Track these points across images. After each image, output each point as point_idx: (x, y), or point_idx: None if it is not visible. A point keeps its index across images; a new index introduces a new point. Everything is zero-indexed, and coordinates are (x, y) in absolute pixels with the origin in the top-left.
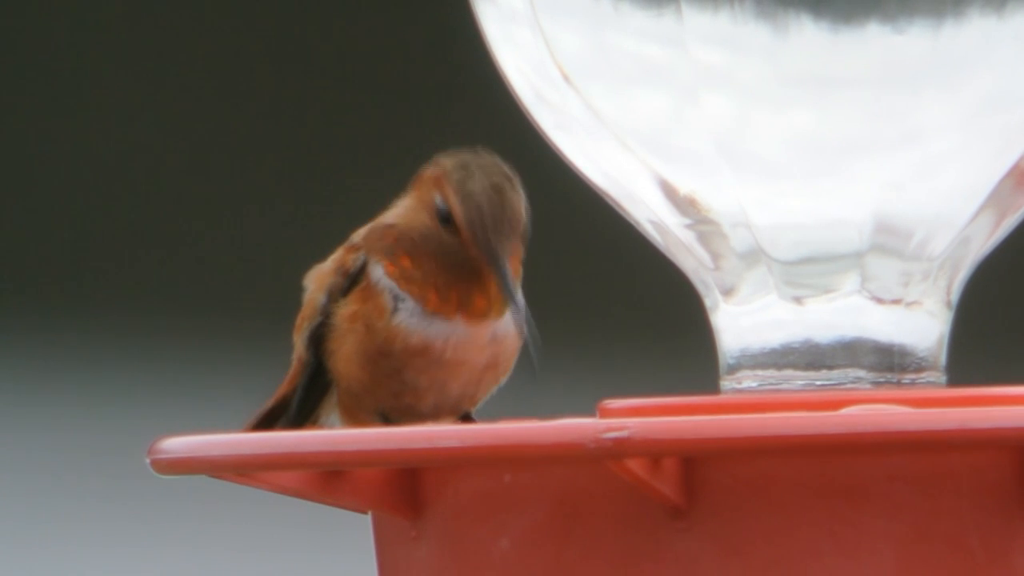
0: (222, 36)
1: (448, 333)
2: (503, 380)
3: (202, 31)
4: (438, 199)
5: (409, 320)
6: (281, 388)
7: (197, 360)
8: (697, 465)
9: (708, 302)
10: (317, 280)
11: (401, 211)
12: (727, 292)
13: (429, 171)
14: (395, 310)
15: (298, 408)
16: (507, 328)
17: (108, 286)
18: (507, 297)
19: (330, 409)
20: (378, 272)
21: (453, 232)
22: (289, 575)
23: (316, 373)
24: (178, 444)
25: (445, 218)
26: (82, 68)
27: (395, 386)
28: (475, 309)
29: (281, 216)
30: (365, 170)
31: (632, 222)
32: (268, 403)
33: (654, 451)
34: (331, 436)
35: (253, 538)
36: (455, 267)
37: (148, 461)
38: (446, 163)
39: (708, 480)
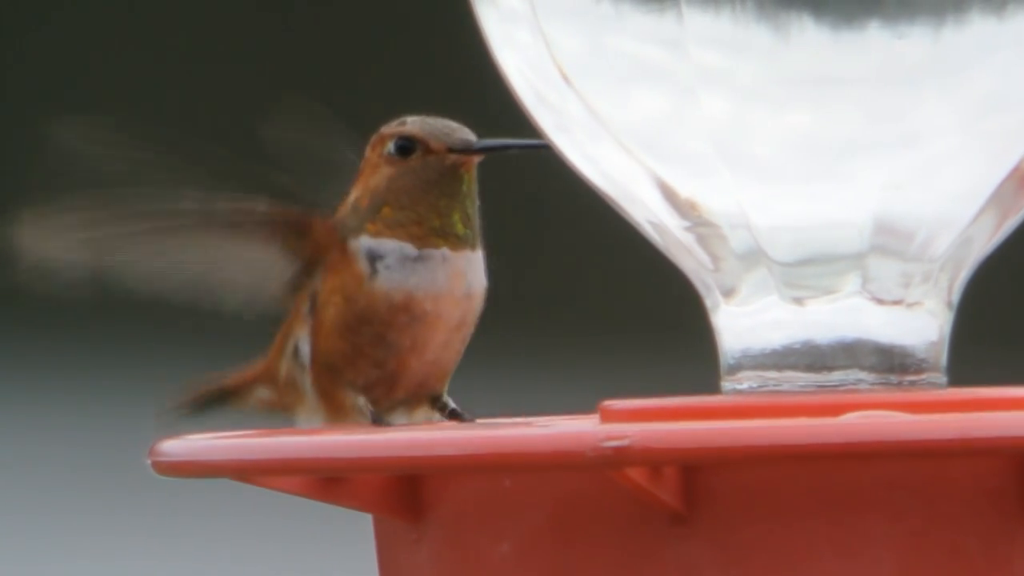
0: (222, 36)
1: (430, 279)
2: (462, 351)
3: (201, 31)
4: (389, 145)
5: (389, 278)
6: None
7: (195, 356)
8: (697, 472)
9: (708, 303)
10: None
11: (358, 190)
12: (727, 293)
13: (368, 149)
14: (373, 272)
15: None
16: (478, 284)
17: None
18: (514, 145)
19: (308, 410)
20: (358, 242)
21: (420, 154)
22: (291, 574)
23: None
24: (179, 447)
25: (404, 147)
26: (82, 68)
27: (380, 353)
28: (456, 235)
29: None
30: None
31: (632, 223)
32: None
33: (654, 460)
34: (332, 442)
35: (254, 536)
36: (429, 194)
37: (149, 463)
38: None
39: (709, 487)
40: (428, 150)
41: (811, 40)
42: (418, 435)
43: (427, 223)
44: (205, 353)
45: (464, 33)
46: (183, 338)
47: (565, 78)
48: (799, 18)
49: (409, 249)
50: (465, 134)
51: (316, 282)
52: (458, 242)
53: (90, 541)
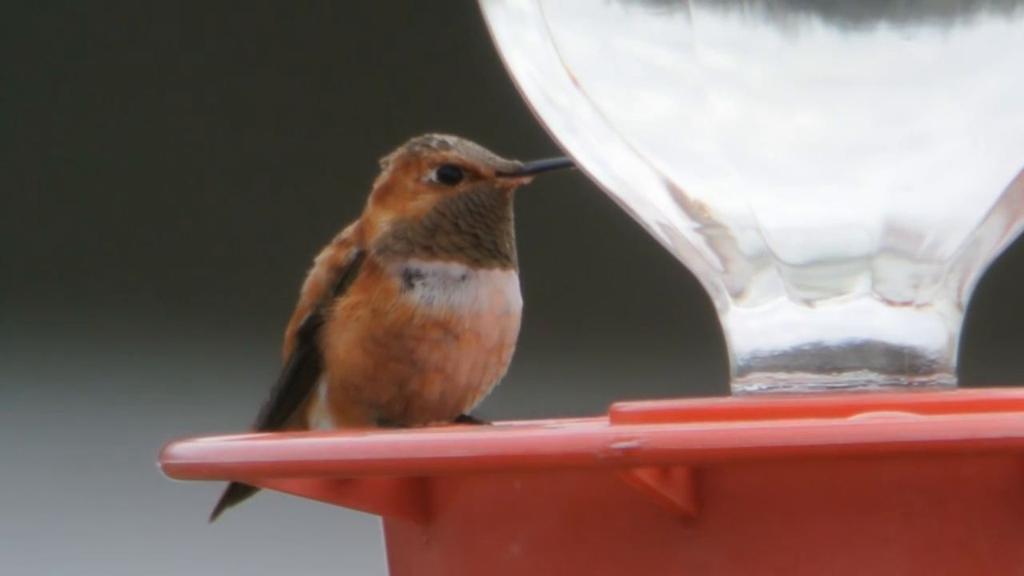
0: (222, 37)
1: (473, 297)
2: (502, 373)
3: (202, 32)
4: (430, 173)
5: (428, 295)
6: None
7: (200, 360)
8: (707, 473)
9: (718, 304)
10: (310, 290)
11: (391, 213)
12: (737, 294)
13: (388, 176)
14: (407, 288)
15: (278, 404)
16: (516, 302)
17: (112, 287)
18: (549, 167)
19: (319, 413)
20: (404, 264)
21: (468, 180)
22: None
23: (300, 367)
24: (189, 449)
25: (449, 175)
26: (82, 68)
27: (403, 370)
28: (506, 255)
29: (287, 217)
30: (372, 173)
31: (642, 224)
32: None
33: (663, 461)
34: (342, 444)
35: (263, 539)
36: (480, 216)
37: (159, 465)
38: (401, 152)
39: (718, 488)
40: (477, 175)
41: (820, 42)
42: (429, 437)
43: (483, 246)
44: (209, 353)
45: (473, 33)
46: (187, 338)
47: (574, 79)
48: (808, 20)
49: (457, 269)
50: (493, 155)
51: (327, 301)
52: (507, 263)
53: (96, 544)
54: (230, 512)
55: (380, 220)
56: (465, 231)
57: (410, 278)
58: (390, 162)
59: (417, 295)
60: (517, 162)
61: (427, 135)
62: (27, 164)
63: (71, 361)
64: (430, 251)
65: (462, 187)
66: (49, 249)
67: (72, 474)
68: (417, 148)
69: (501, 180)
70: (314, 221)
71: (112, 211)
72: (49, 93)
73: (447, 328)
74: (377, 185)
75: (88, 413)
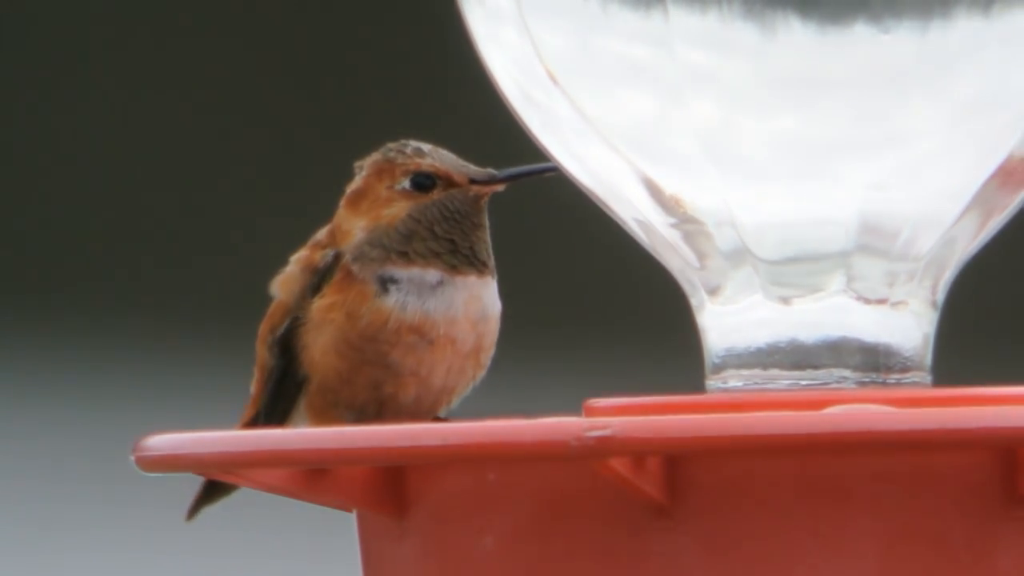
0: (221, 37)
1: (448, 302)
2: (481, 375)
3: (201, 32)
4: (404, 181)
5: (403, 300)
6: (247, 411)
7: (192, 362)
8: (681, 464)
9: (694, 301)
10: (284, 286)
11: (364, 219)
12: (713, 291)
13: (360, 183)
14: (382, 292)
15: (266, 418)
16: (494, 307)
17: (105, 288)
18: (525, 174)
19: (297, 416)
20: (381, 270)
21: (442, 187)
22: (276, 573)
23: (283, 378)
24: (163, 441)
25: (423, 183)
26: (82, 69)
27: (377, 374)
28: (483, 261)
29: (272, 215)
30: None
31: (618, 221)
32: (241, 423)
33: (637, 450)
34: (315, 434)
35: (240, 538)
36: (457, 223)
37: (133, 458)
38: (375, 158)
39: (692, 479)
40: (451, 183)
41: (798, 40)
42: (404, 427)
43: (460, 252)
44: (201, 354)
45: (450, 31)
46: (180, 339)
47: (552, 77)
48: (785, 18)
49: (433, 275)
50: (466, 164)
51: (303, 303)
52: (484, 269)
53: (87, 542)
54: (207, 509)
55: (354, 226)
56: (442, 237)
57: (385, 283)
58: (364, 167)
59: (392, 300)
60: (491, 170)
61: (402, 141)
62: (27, 164)
63: (66, 360)
64: (406, 257)
65: (436, 194)
66: (46, 249)
67: (71, 473)
68: (392, 154)
69: (475, 188)
70: (307, 221)
71: (113, 210)
72: (49, 93)
73: (421, 333)
74: (350, 189)
75: (84, 416)
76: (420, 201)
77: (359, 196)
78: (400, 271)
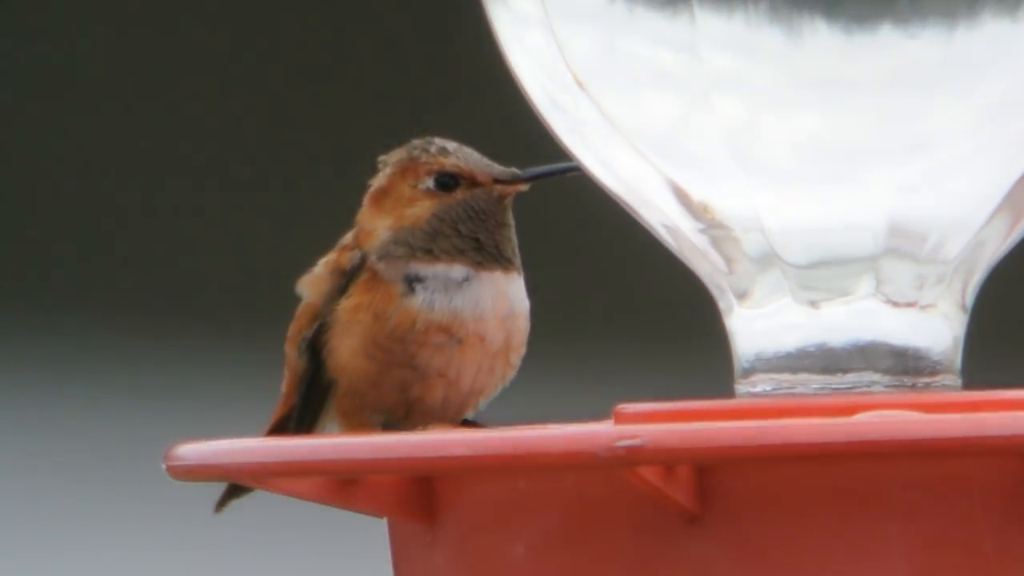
0: (221, 37)
1: (475, 299)
2: (510, 376)
3: (201, 32)
4: (427, 180)
5: (430, 299)
6: (278, 408)
7: (205, 363)
8: (710, 472)
9: (723, 306)
10: (312, 286)
11: (388, 219)
12: (741, 296)
13: (384, 180)
14: (408, 292)
15: (298, 420)
16: (522, 304)
17: (115, 289)
18: (548, 174)
19: (328, 417)
20: (406, 268)
21: (466, 187)
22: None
23: (314, 381)
24: (194, 451)
25: (446, 183)
26: (83, 69)
27: (404, 376)
28: (508, 258)
29: (289, 218)
30: (374, 174)
31: (646, 226)
32: (268, 426)
33: (667, 459)
34: (346, 444)
35: (268, 542)
36: (481, 221)
37: (164, 467)
38: (394, 159)
39: (721, 487)
40: (475, 182)
41: (824, 43)
42: (433, 436)
43: (485, 249)
44: (213, 355)
45: (477, 35)
46: (191, 339)
47: (578, 81)
48: (812, 21)
49: (459, 271)
50: (491, 163)
51: (331, 305)
52: (510, 266)
53: (93, 542)
54: (236, 514)
55: (378, 226)
56: (466, 235)
57: (411, 282)
58: (388, 164)
59: (419, 299)
60: (515, 169)
61: (427, 139)
62: (26, 164)
63: (78, 362)
64: (431, 254)
65: (459, 194)
66: (56, 250)
67: (79, 476)
68: (416, 152)
69: (499, 187)
70: (324, 222)
71: (113, 210)
72: (49, 93)
73: (450, 332)
74: (373, 187)
75: (94, 416)
76: (444, 201)
77: (382, 194)
78: (425, 268)
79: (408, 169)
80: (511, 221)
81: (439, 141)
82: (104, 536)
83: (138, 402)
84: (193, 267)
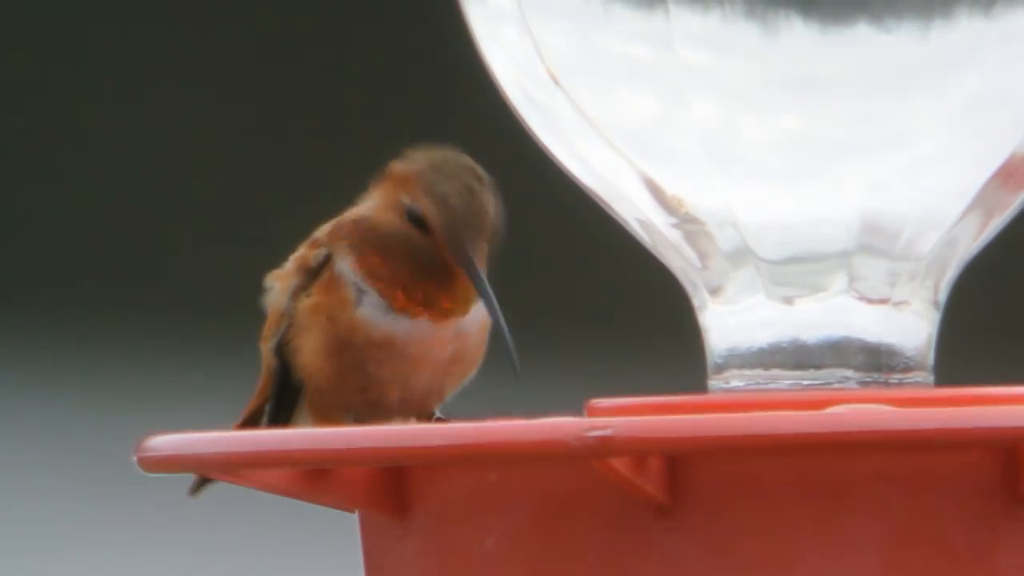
0: (221, 37)
1: (411, 329)
2: (471, 374)
3: (202, 32)
4: (407, 200)
5: (373, 313)
6: (251, 402)
7: (192, 362)
8: (682, 464)
9: (696, 301)
10: (280, 282)
11: (368, 208)
12: (714, 291)
13: (399, 169)
14: (358, 303)
15: (272, 417)
16: (471, 323)
17: (105, 288)
18: (484, 301)
19: (300, 415)
20: (344, 265)
21: (424, 233)
22: (277, 575)
23: (286, 379)
24: (165, 442)
25: (416, 219)
26: (83, 69)
27: (360, 379)
28: (441, 308)
29: (273, 214)
30: (362, 171)
31: (620, 221)
32: (240, 418)
33: (638, 449)
34: (317, 434)
35: (242, 538)
36: (423, 267)
37: (135, 459)
38: (417, 162)
39: (693, 479)
40: (434, 236)
41: (800, 40)
42: (403, 427)
43: (409, 293)
44: (201, 354)
45: (451, 31)
46: (180, 339)
47: (553, 77)
48: (787, 18)
49: (387, 306)
50: (478, 231)
51: (294, 303)
52: (440, 313)
53: (86, 542)
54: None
55: (354, 209)
56: (395, 270)
57: (361, 293)
58: (411, 158)
59: (364, 311)
60: (481, 271)
61: (445, 156)
62: (26, 164)
63: (65, 360)
64: (367, 264)
65: (417, 235)
66: (47, 250)
67: (67, 476)
68: (429, 175)
69: (451, 259)
70: (304, 218)
71: (112, 209)
72: (49, 92)
73: (390, 350)
74: (384, 173)
75: (84, 416)
76: (405, 230)
77: (379, 188)
78: (370, 285)
79: (410, 179)
80: (459, 278)
81: (451, 172)
82: (104, 536)
83: (139, 401)
84: (193, 267)
